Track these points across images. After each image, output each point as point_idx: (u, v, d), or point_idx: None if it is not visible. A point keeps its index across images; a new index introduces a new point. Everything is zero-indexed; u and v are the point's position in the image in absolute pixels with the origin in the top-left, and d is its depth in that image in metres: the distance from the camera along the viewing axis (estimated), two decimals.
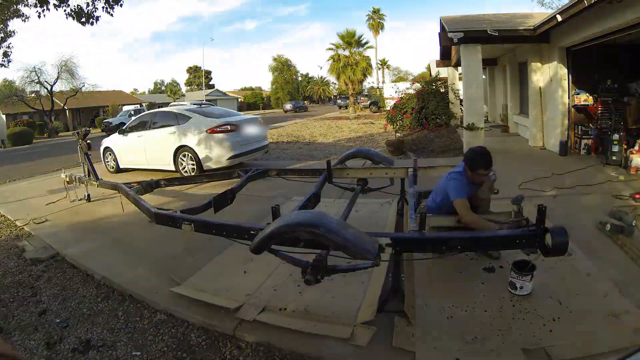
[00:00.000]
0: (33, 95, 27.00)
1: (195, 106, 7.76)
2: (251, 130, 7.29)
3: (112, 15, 6.13)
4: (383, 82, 43.42)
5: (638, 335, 2.04)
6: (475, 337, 2.13)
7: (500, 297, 2.48)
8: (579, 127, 6.52)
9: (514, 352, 2.00)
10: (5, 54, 7.89)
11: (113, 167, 8.03)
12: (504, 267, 2.85)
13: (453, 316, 2.33)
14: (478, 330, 2.19)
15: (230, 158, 6.71)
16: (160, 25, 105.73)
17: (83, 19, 5.96)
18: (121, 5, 6.16)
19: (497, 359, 1.97)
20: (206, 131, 6.67)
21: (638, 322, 2.13)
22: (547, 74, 7.05)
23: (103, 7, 6.03)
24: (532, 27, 6.58)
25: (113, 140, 8.02)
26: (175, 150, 6.93)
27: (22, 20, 6.98)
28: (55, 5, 5.82)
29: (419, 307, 2.44)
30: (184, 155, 6.87)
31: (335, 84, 48.60)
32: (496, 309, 2.36)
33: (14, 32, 7.70)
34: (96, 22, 6.09)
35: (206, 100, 26.90)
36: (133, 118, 8.56)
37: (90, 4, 5.93)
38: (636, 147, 5.13)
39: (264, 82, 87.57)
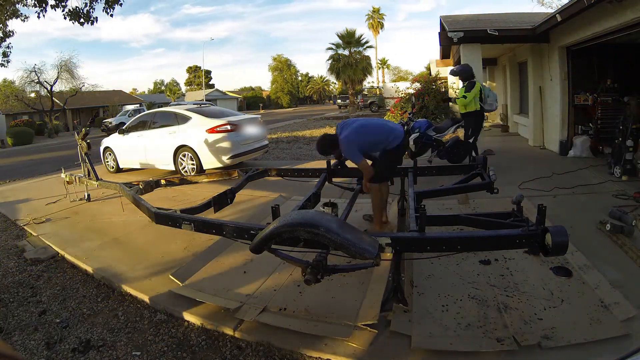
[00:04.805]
0: (33, 95, 26.96)
1: (195, 106, 7.76)
2: (251, 130, 7.29)
3: (111, 15, 6.14)
4: (383, 81, 43.35)
5: (626, 325, 2.08)
6: (469, 324, 2.20)
7: (494, 287, 2.56)
8: (579, 127, 6.52)
9: (505, 338, 2.06)
10: (5, 54, 7.89)
11: (113, 167, 8.03)
12: (499, 260, 2.92)
13: (448, 304, 2.41)
14: (471, 318, 2.25)
15: (230, 158, 6.70)
16: (160, 25, 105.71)
17: (82, 20, 5.96)
18: (121, 5, 6.17)
19: (489, 345, 2.02)
20: (206, 131, 6.66)
21: (627, 313, 2.18)
22: (547, 73, 7.05)
23: (103, 8, 6.03)
24: (532, 27, 6.58)
25: (113, 140, 8.02)
26: (175, 150, 6.93)
27: (22, 20, 6.98)
28: (53, 6, 5.82)
29: (416, 296, 2.52)
30: (184, 155, 6.87)
31: (335, 83, 48.71)
32: (490, 298, 2.44)
33: (13, 32, 7.69)
34: (96, 21, 6.10)
35: (206, 100, 26.93)
36: (133, 118, 8.55)
37: (89, 4, 5.94)
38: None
39: (264, 81, 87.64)
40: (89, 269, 3.38)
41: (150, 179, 4.35)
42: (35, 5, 5.92)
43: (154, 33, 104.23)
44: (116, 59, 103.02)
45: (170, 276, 3.02)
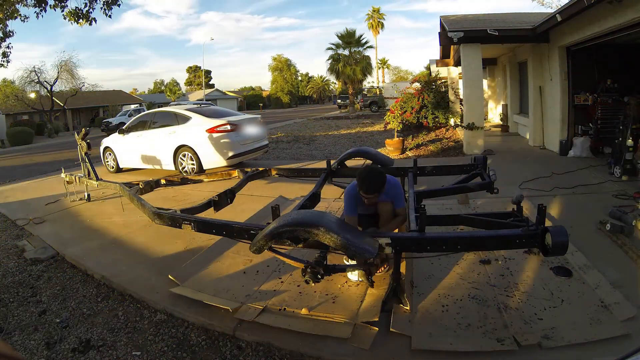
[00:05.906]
0: (33, 95, 26.96)
1: (195, 106, 7.75)
2: (251, 129, 7.29)
3: (110, 16, 6.16)
4: (383, 81, 43.37)
5: (626, 325, 2.08)
6: (469, 324, 2.20)
7: (494, 287, 2.56)
8: (579, 127, 6.52)
9: (505, 338, 2.06)
10: (5, 54, 7.88)
11: (113, 167, 8.03)
12: (499, 260, 2.92)
13: (448, 304, 2.41)
14: (472, 318, 2.25)
15: (230, 158, 6.71)
16: (159, 25, 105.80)
17: (81, 20, 5.98)
18: (119, 6, 6.18)
19: (489, 345, 2.02)
20: (206, 131, 6.66)
21: (627, 313, 2.18)
22: (547, 73, 7.05)
23: (101, 8, 6.04)
24: (532, 27, 6.58)
25: (113, 140, 8.01)
26: (175, 150, 6.93)
27: (22, 20, 6.97)
28: (52, 6, 5.83)
29: (416, 296, 2.51)
30: (184, 155, 6.87)
31: (335, 83, 48.72)
32: (490, 298, 2.43)
33: (13, 32, 7.68)
34: (95, 22, 6.11)
35: (206, 100, 26.89)
36: (133, 118, 8.55)
37: (88, 4, 5.95)
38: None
39: (264, 81, 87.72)
40: (89, 269, 3.38)
41: (150, 179, 4.35)
42: (35, 5, 5.92)
43: (154, 32, 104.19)
44: (116, 58, 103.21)
45: (170, 276, 3.02)
